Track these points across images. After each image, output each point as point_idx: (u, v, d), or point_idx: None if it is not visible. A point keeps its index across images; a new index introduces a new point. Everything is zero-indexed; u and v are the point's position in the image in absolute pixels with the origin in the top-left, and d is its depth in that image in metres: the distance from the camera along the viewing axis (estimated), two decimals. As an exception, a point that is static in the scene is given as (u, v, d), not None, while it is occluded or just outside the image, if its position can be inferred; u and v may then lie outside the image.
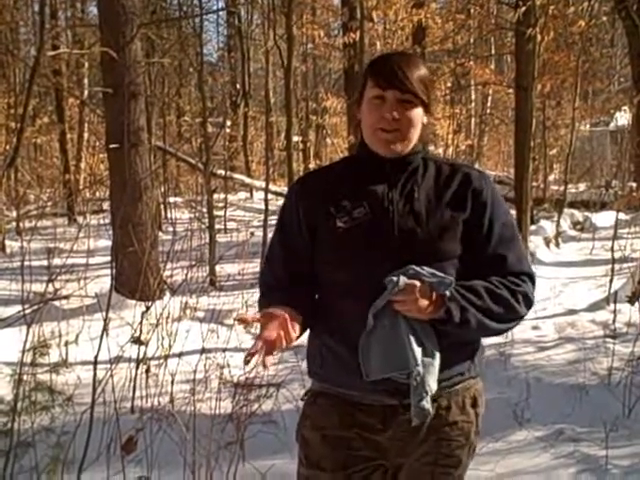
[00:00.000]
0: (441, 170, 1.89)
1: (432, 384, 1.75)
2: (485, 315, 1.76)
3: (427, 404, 1.74)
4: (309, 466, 1.93)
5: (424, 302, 1.71)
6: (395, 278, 1.70)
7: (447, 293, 1.71)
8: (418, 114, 1.82)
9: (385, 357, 1.74)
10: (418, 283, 1.70)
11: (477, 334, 1.86)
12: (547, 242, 10.19)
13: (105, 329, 3.59)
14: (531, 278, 1.87)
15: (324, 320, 1.86)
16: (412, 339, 1.73)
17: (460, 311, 1.73)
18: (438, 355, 1.77)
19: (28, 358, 3.46)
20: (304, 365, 1.98)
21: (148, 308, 4.29)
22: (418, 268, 1.72)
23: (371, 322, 1.74)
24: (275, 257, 1.97)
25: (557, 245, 10.37)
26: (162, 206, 13.13)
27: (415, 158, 1.87)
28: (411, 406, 1.75)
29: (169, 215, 13.35)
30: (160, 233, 9.39)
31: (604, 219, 11.63)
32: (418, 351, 1.73)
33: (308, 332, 1.93)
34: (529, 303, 1.85)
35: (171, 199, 14.60)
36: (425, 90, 1.81)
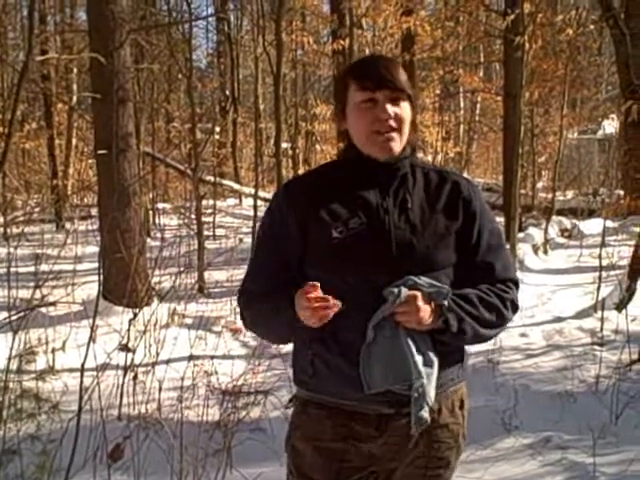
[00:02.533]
0: (429, 177, 1.90)
1: (432, 394, 1.76)
2: (479, 323, 1.80)
3: (426, 413, 1.75)
4: (300, 477, 1.92)
5: (426, 313, 1.71)
6: (396, 290, 1.70)
7: (445, 303, 1.73)
8: (408, 111, 1.85)
9: (387, 369, 1.74)
10: (419, 294, 1.71)
11: (472, 342, 1.87)
12: (535, 249, 10.21)
13: (92, 336, 3.57)
14: (516, 284, 1.93)
15: (315, 329, 1.78)
16: (414, 350, 1.73)
17: (457, 321, 1.75)
18: (437, 364, 1.78)
19: (14, 365, 3.44)
20: (292, 373, 1.97)
21: (136, 315, 4.27)
22: (416, 279, 1.73)
23: (371, 334, 1.74)
24: (261, 266, 1.93)
25: (545, 252, 10.40)
26: (150, 212, 13.08)
27: (403, 164, 1.87)
28: (411, 416, 1.75)
29: (157, 221, 13.30)
30: (148, 239, 9.36)
31: (592, 226, 11.69)
32: (420, 362, 1.73)
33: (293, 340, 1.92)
34: (515, 308, 1.90)
35: (160, 205, 14.56)
36: (409, 85, 1.85)
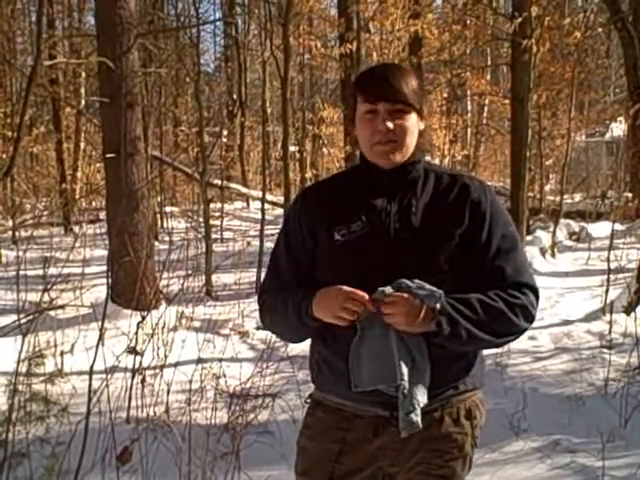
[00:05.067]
0: (441, 181, 1.89)
1: (421, 397, 1.74)
2: (478, 328, 1.75)
3: (415, 417, 1.74)
4: (302, 474, 1.96)
5: (412, 315, 1.70)
6: (385, 290, 1.72)
7: (437, 306, 1.71)
8: (412, 122, 1.83)
9: (374, 369, 1.74)
10: (406, 296, 1.70)
11: (470, 347, 1.85)
12: (543, 252, 10.19)
13: (101, 339, 3.58)
14: (533, 290, 1.85)
15: (319, 329, 1.86)
16: (401, 352, 1.73)
17: (450, 324, 1.72)
18: (429, 368, 1.77)
19: (23, 368, 3.45)
20: (300, 375, 1.99)
21: (144, 318, 4.27)
22: (408, 281, 1.72)
23: (359, 332, 1.75)
24: (281, 265, 1.96)
25: (553, 255, 10.38)
26: (158, 216, 13.12)
27: (415, 168, 1.88)
28: (399, 418, 1.75)
29: (165, 225, 13.34)
30: (156, 243, 9.38)
31: (600, 229, 11.66)
32: (404, 364, 1.73)
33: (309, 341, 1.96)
34: (529, 316, 1.82)
35: (167, 209, 14.60)
36: (415, 97, 1.82)
